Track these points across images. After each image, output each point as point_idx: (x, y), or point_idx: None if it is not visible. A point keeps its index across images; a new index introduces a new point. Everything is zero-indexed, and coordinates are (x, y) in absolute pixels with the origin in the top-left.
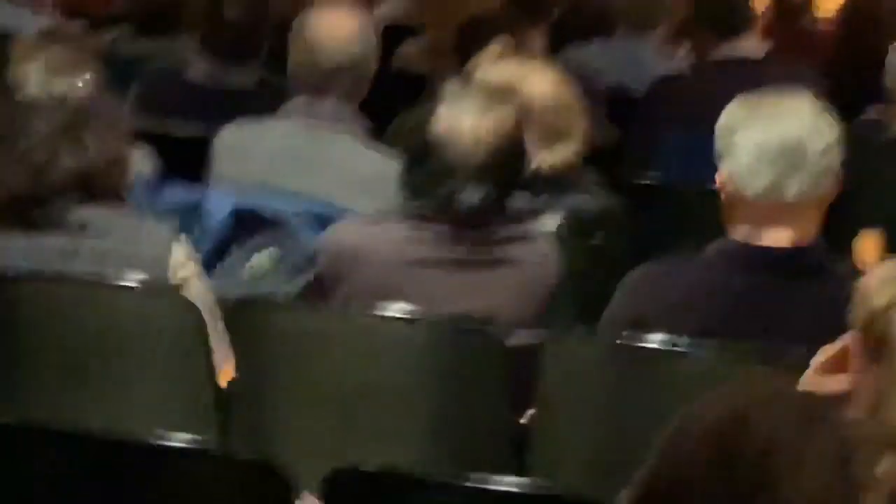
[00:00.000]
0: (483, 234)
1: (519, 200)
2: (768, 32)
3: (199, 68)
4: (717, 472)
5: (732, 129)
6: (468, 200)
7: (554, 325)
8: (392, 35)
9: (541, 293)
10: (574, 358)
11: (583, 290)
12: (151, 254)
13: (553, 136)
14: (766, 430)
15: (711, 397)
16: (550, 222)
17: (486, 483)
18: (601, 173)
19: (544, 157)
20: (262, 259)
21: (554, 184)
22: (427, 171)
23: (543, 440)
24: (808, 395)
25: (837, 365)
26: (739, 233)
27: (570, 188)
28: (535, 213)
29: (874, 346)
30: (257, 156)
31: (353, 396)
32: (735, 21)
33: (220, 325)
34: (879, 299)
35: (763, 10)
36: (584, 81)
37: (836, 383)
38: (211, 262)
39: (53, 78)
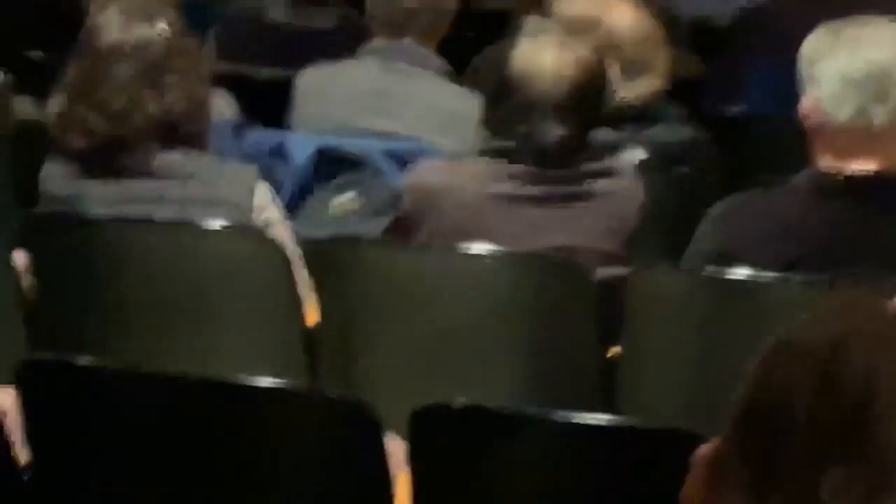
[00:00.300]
0: (566, 170)
1: (602, 134)
2: None
3: (278, 10)
4: (820, 401)
5: (816, 58)
6: (550, 137)
7: (640, 258)
8: None
9: (626, 227)
10: (660, 291)
11: (668, 223)
12: (235, 197)
13: (636, 68)
14: (867, 358)
15: (806, 322)
16: (634, 155)
17: (575, 419)
18: (685, 106)
19: (627, 90)
20: (345, 199)
21: (637, 117)
22: (508, 108)
23: (631, 374)
24: None
25: None
26: (825, 162)
27: (654, 121)
28: (618, 146)
29: None
30: (339, 96)
31: (440, 334)
32: None
33: (302, 269)
34: None
35: None
36: (667, 13)
37: None
38: (294, 203)
39: (132, 24)
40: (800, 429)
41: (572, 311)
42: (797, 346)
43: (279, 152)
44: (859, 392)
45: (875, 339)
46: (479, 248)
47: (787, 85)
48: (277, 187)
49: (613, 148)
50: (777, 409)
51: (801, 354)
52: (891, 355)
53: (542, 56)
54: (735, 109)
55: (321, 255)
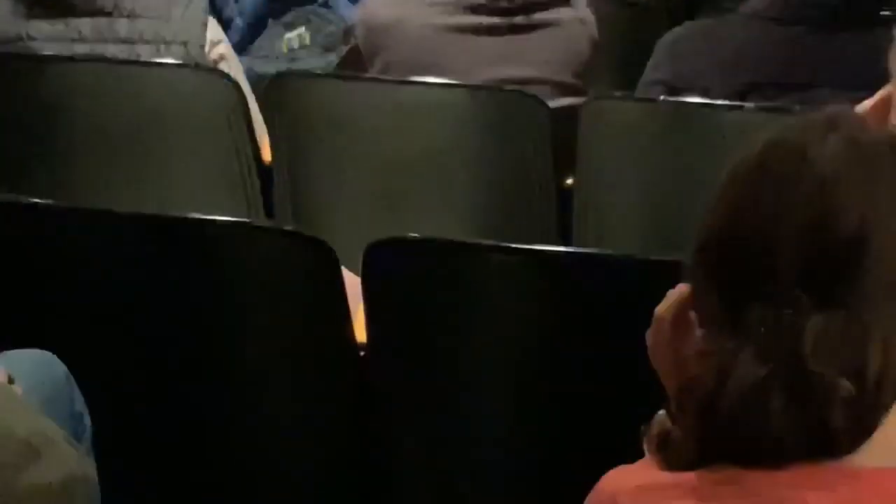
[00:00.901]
0: (519, 1)
1: None
2: None
3: None
4: (809, 238)
5: None
6: None
7: (594, 87)
8: None
9: (579, 57)
10: (614, 120)
11: (622, 51)
12: (186, 33)
13: None
14: (862, 197)
15: (792, 142)
16: None
17: (531, 249)
18: None
19: None
20: (297, 35)
21: None
22: None
23: (586, 202)
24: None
25: (879, 114)
26: None
27: None
28: None
29: None
30: None
31: (394, 167)
32: None
33: (254, 104)
34: None
35: None
36: None
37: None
38: (246, 39)
39: None
40: (782, 265)
41: (527, 141)
42: (787, 175)
43: None
44: (851, 233)
45: (870, 175)
46: (433, 80)
47: None
48: (228, 23)
49: None
50: (759, 240)
51: (792, 185)
52: (884, 195)
53: None
54: None
55: (273, 91)
